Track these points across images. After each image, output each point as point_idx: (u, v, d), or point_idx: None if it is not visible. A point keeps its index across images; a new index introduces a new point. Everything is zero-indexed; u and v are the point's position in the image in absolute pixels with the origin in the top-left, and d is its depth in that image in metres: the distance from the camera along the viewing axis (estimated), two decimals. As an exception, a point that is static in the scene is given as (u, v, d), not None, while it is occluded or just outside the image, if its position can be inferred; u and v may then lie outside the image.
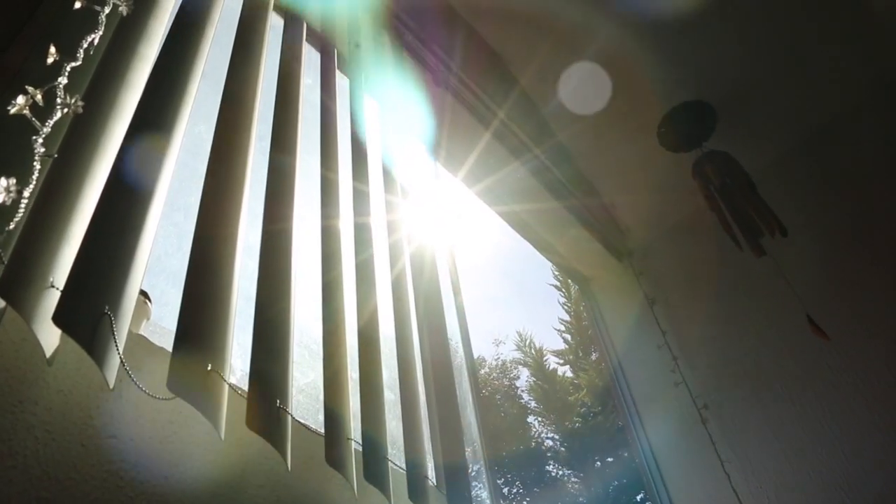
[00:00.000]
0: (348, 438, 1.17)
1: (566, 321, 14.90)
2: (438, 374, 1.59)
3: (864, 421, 2.36)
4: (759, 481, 2.51)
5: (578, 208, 3.03)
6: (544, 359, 14.70)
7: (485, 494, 2.00)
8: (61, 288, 0.84)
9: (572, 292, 14.74)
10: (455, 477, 1.40)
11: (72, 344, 0.87)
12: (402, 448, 1.35)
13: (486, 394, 14.65)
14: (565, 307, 14.94)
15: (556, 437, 14.08)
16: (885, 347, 2.40)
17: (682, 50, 2.64)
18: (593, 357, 14.05)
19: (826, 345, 2.46)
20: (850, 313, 2.52)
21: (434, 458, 1.54)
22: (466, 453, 1.49)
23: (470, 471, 1.51)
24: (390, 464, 1.25)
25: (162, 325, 1.27)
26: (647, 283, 3.15)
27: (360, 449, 1.22)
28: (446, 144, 2.64)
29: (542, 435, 14.25)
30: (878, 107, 2.80)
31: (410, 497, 1.26)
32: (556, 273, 14.89)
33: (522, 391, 15.03)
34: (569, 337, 14.79)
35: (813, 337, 2.33)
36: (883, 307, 2.46)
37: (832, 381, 2.48)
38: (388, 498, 1.20)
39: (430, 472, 1.46)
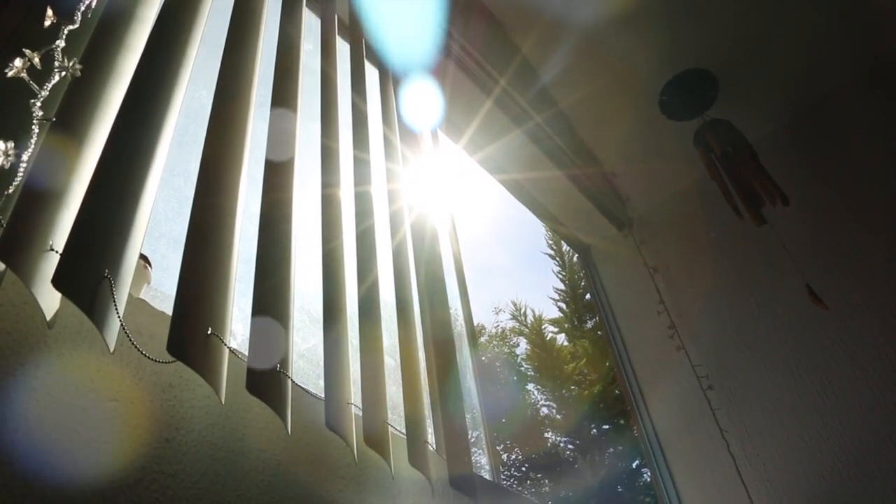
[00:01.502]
0: (348, 403, 1.17)
1: (561, 290, 14.91)
2: (439, 341, 1.60)
3: (859, 390, 2.37)
4: (756, 449, 2.53)
5: (579, 177, 3.02)
6: (542, 328, 14.74)
7: (484, 460, 2.02)
8: (61, 251, 0.84)
9: (566, 261, 14.74)
10: (455, 442, 1.41)
11: (72, 307, 0.86)
12: (402, 414, 1.36)
13: (486, 361, 14.72)
14: (560, 276, 14.95)
15: (554, 405, 14.17)
16: (881, 318, 2.41)
17: (686, 17, 2.62)
18: (589, 325, 14.10)
19: (824, 315, 2.47)
20: (847, 284, 2.53)
21: (434, 424, 1.55)
22: (466, 419, 1.50)
23: (470, 437, 1.51)
24: (390, 428, 1.26)
25: (162, 289, 1.27)
26: (647, 251, 3.15)
27: (361, 414, 1.23)
28: (448, 112, 2.63)
29: (540, 403, 14.34)
30: (879, 78, 2.78)
31: (410, 461, 1.27)
32: (551, 242, 14.89)
33: (522, 359, 15.11)
34: (564, 306, 14.82)
35: (811, 307, 2.34)
36: (880, 278, 2.46)
37: (829, 350, 2.49)
38: (388, 462, 1.21)
39: (431, 438, 1.47)
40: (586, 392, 13.63)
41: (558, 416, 13.96)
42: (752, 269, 2.83)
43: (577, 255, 3.62)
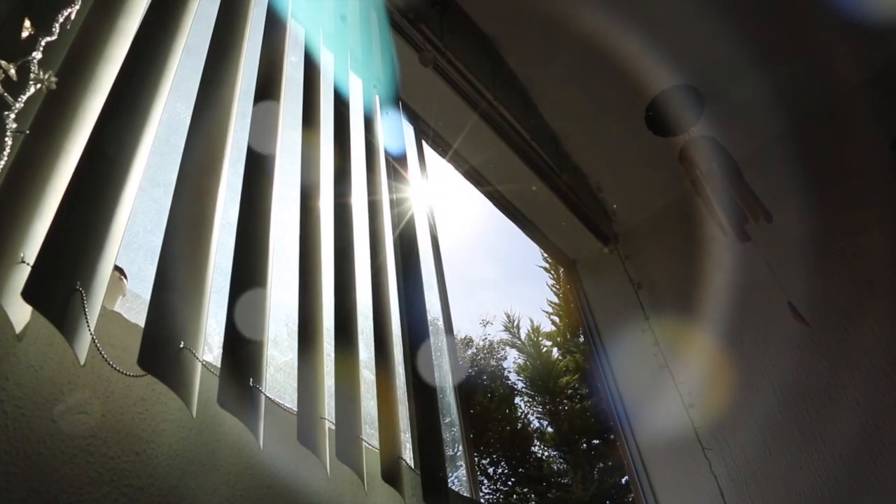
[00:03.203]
0: (322, 418, 1.17)
1: (555, 303, 14.90)
2: (418, 355, 1.60)
3: (840, 408, 2.38)
4: (738, 466, 2.53)
5: (564, 191, 3.03)
6: (533, 340, 14.72)
7: (464, 476, 2.02)
8: (32, 263, 0.84)
9: (561, 274, 14.73)
10: (431, 458, 1.41)
11: (43, 319, 0.86)
12: (378, 428, 1.36)
13: (473, 373, 14.69)
14: (554, 289, 14.94)
15: (543, 418, 14.14)
16: (863, 336, 2.41)
17: (672, 34, 2.64)
18: (581, 339, 14.08)
19: (806, 332, 2.48)
20: (830, 301, 2.53)
21: (411, 439, 1.55)
22: (446, 435, 1.50)
23: (450, 451, 1.51)
24: (364, 443, 1.26)
25: (145, 297, 1.26)
26: (632, 266, 3.16)
27: (334, 428, 1.22)
28: (433, 125, 2.64)
29: (529, 416, 14.31)
30: (861, 97, 2.80)
31: (384, 477, 1.27)
32: (546, 254, 14.86)
33: (509, 372, 15.08)
34: (557, 319, 14.81)
35: (795, 324, 2.34)
36: (862, 296, 2.47)
37: (811, 368, 2.50)
38: (361, 477, 1.21)
39: (407, 453, 1.47)
40: (578, 406, 13.60)
41: (548, 430, 13.92)
42: (735, 286, 2.84)
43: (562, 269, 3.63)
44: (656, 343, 2.85)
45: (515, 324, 15.11)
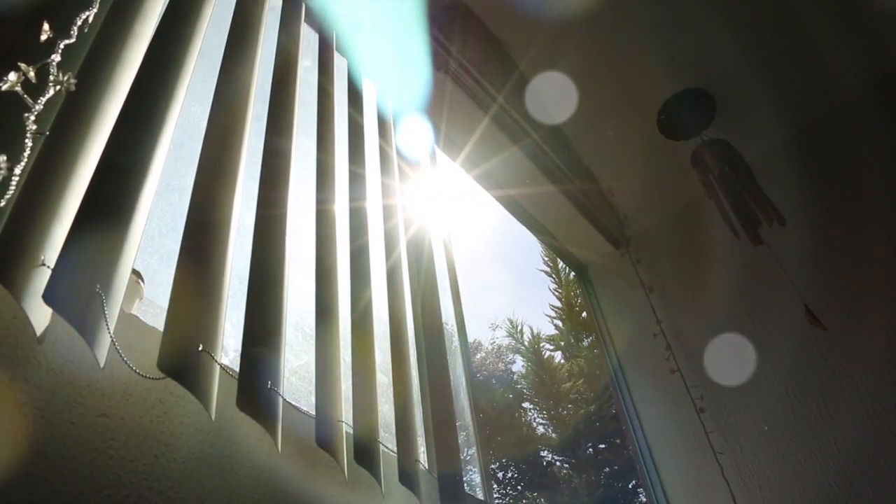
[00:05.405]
0: (339, 421, 1.17)
1: (557, 307, 14.89)
2: (432, 358, 1.59)
3: (855, 412, 2.36)
4: (750, 471, 2.52)
5: (576, 194, 3.03)
6: (537, 346, 14.71)
7: (477, 479, 2.01)
8: (52, 266, 0.84)
9: (562, 278, 14.72)
10: (447, 461, 1.40)
11: (63, 322, 0.86)
12: (394, 431, 1.35)
13: (482, 378, 14.69)
14: (556, 293, 14.93)
15: (549, 423, 14.13)
16: (878, 338, 2.40)
17: (684, 37, 2.63)
18: (585, 343, 14.07)
19: (821, 335, 2.46)
20: (845, 304, 2.52)
21: (426, 442, 1.54)
22: (459, 438, 1.50)
23: (463, 455, 1.51)
24: (382, 447, 1.25)
25: (158, 302, 1.27)
26: (644, 271, 3.15)
27: (352, 432, 1.22)
28: (445, 129, 2.63)
29: (536, 420, 14.31)
30: (873, 99, 2.79)
31: (401, 480, 1.26)
32: (546, 259, 14.87)
33: (519, 377, 15.09)
34: (560, 323, 14.80)
35: (808, 327, 2.33)
36: (877, 298, 2.46)
37: (826, 371, 2.48)
38: (379, 481, 1.20)
39: (422, 456, 1.46)
40: (582, 411, 13.59)
41: (554, 435, 13.91)
42: (748, 289, 2.83)
43: (573, 273, 3.62)
44: (668, 347, 2.84)
45: (519, 329, 15.12)
